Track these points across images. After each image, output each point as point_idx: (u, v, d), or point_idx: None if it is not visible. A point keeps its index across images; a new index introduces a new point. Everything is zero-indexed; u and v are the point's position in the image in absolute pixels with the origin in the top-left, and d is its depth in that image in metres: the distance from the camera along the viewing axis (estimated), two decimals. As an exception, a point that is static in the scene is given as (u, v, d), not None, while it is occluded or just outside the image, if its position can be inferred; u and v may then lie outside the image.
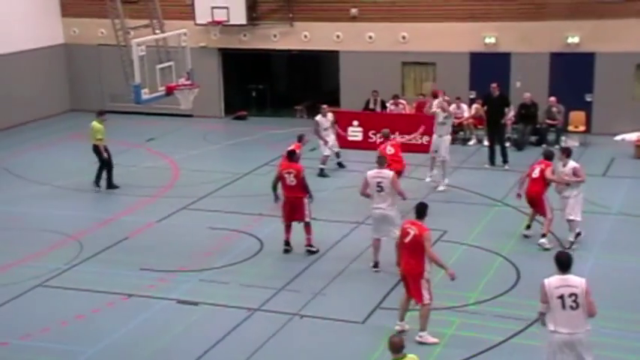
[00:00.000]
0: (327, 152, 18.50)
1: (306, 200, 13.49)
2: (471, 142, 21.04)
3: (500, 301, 11.76)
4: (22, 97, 24.27)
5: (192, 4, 23.62)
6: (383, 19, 22.60)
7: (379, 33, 22.71)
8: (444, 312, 11.34)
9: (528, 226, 14.17)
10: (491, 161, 18.80)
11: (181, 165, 19.66)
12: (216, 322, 11.38)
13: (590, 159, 18.84)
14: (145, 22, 19.26)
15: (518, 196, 14.05)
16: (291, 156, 13.78)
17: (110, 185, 17.65)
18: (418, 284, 10.45)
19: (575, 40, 20.95)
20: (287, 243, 13.71)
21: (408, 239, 10.52)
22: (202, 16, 23.54)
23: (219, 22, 23.59)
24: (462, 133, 21.23)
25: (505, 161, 18.68)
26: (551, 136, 20.55)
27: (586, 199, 15.70)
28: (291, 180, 13.43)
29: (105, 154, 17.50)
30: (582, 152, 19.54)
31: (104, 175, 17.63)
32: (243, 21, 23.50)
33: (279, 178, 13.65)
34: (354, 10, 22.92)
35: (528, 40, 21.20)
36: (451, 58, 22.04)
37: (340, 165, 18.86)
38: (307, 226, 13.63)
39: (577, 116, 21.02)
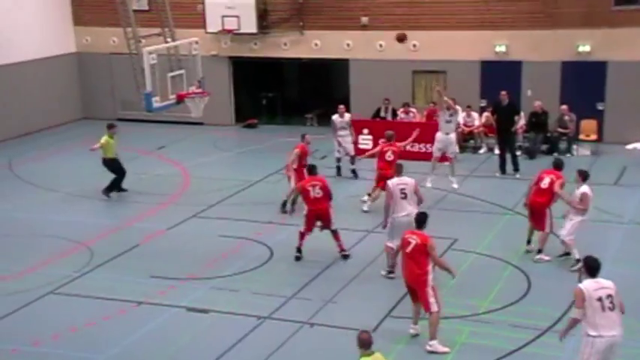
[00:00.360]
0: (338, 155, 18.62)
1: (331, 209, 13.53)
2: (482, 151, 20.99)
3: (511, 310, 11.71)
4: (34, 105, 24.42)
5: (204, 13, 23.72)
6: (393, 28, 22.60)
7: (389, 41, 22.71)
8: (455, 320, 11.30)
9: (529, 241, 13.86)
10: (502, 169, 18.75)
11: (192, 172, 19.70)
12: (225, 330, 11.37)
13: (602, 168, 18.77)
14: (157, 30, 19.36)
15: (525, 205, 13.87)
16: (313, 170, 13.92)
17: (119, 188, 17.81)
18: (424, 293, 10.45)
19: (587, 48, 20.88)
20: (299, 250, 13.71)
21: (409, 249, 10.58)
22: (213, 24, 23.63)
23: (230, 31, 23.67)
24: (472, 141, 21.19)
25: (516, 169, 18.62)
26: (562, 145, 20.48)
27: (598, 208, 15.67)
28: (316, 192, 13.38)
29: (116, 165, 17.67)
30: (594, 161, 19.46)
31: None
32: (253, 29, 23.56)
33: (302, 192, 13.61)
34: (364, 19, 22.94)
35: (539, 49, 21.18)
36: (462, 67, 22.01)
37: (354, 173, 18.76)
38: (336, 233, 13.64)
39: (588, 125, 20.93)
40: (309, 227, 13.60)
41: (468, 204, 16.62)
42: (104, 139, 17.46)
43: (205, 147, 22.36)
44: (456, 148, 17.62)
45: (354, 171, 18.74)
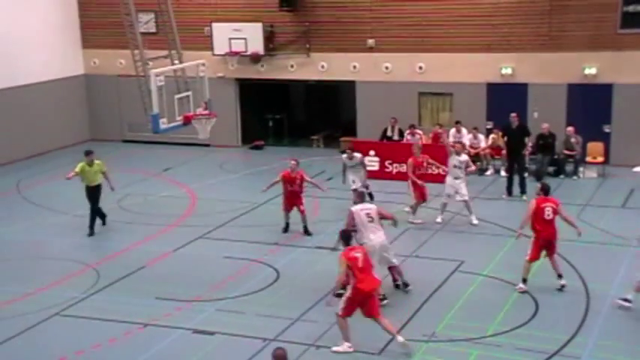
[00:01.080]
0: (354, 185, 17.39)
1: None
2: (488, 172, 20.98)
3: (518, 333, 11.63)
4: (42, 127, 24.56)
5: (211, 35, 23.88)
6: (400, 50, 22.71)
7: (396, 63, 22.81)
8: (462, 343, 11.24)
9: (560, 275, 13.04)
10: (509, 191, 18.72)
11: (198, 194, 19.73)
12: (231, 353, 11.32)
13: (609, 190, 18.74)
14: (164, 52, 19.50)
15: (520, 236, 13.06)
16: (365, 197, 13.62)
17: (102, 218, 16.99)
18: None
19: (593, 71, 20.93)
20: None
21: (360, 263, 10.93)
22: (220, 46, 23.79)
23: (236, 53, 23.82)
24: (479, 163, 21.19)
25: (523, 192, 18.59)
26: (569, 167, 20.46)
27: (605, 231, 15.63)
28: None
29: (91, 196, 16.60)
30: (601, 183, 19.42)
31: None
32: (260, 51, 23.70)
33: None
34: (370, 41, 23.06)
35: (546, 71, 21.23)
36: (468, 89, 22.08)
37: (370, 195, 17.98)
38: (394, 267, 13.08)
39: (595, 147, 20.92)
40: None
41: (474, 226, 16.58)
42: (79, 166, 16.50)
43: (212, 168, 22.40)
44: (465, 192, 16.79)
45: (370, 194, 18.00)
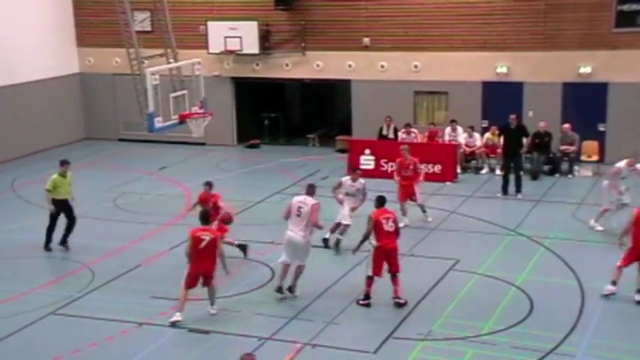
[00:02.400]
0: (345, 221, 15.12)
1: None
2: (484, 171, 21.01)
3: (513, 331, 11.65)
4: (37, 126, 24.52)
5: (206, 34, 23.86)
6: (395, 49, 22.73)
7: (391, 62, 22.82)
8: (457, 342, 11.26)
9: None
10: (505, 190, 18.75)
11: (194, 193, 19.67)
12: (227, 351, 11.31)
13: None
14: (160, 51, 19.49)
15: (621, 245, 12.74)
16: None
17: (63, 241, 15.66)
18: (212, 276, 12.21)
19: (587, 70, 20.99)
20: (367, 297, 12.59)
21: (203, 245, 11.97)
22: (216, 45, 23.77)
23: (232, 52, 23.80)
24: (474, 162, 21.22)
25: (519, 190, 18.63)
26: (564, 166, 20.49)
27: (602, 230, 15.67)
28: (390, 225, 12.44)
29: (50, 207, 15.44)
30: (596, 182, 19.45)
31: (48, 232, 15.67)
32: (255, 50, 23.70)
33: (375, 223, 12.37)
34: (366, 40, 23.07)
35: (541, 70, 21.27)
36: (463, 88, 22.11)
37: (326, 243, 15.44)
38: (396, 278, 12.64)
39: (590, 146, 20.98)
40: (378, 270, 12.43)
41: (469, 225, 16.61)
42: (52, 180, 15.39)
43: (207, 167, 22.37)
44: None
45: (326, 241, 15.34)
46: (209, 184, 15.17)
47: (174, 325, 11.98)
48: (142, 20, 23.69)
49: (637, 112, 20.78)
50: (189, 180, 20.82)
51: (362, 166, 19.96)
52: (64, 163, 15.66)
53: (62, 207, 15.62)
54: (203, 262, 12.14)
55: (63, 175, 15.54)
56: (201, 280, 12.26)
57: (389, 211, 12.59)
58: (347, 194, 15.32)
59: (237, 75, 24.65)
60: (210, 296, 12.45)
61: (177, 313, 12.11)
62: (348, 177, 15.61)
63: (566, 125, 20.54)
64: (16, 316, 12.54)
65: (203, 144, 23.75)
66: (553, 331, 11.48)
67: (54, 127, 25.23)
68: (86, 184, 19.81)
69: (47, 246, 15.69)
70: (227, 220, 14.41)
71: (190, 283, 12.23)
